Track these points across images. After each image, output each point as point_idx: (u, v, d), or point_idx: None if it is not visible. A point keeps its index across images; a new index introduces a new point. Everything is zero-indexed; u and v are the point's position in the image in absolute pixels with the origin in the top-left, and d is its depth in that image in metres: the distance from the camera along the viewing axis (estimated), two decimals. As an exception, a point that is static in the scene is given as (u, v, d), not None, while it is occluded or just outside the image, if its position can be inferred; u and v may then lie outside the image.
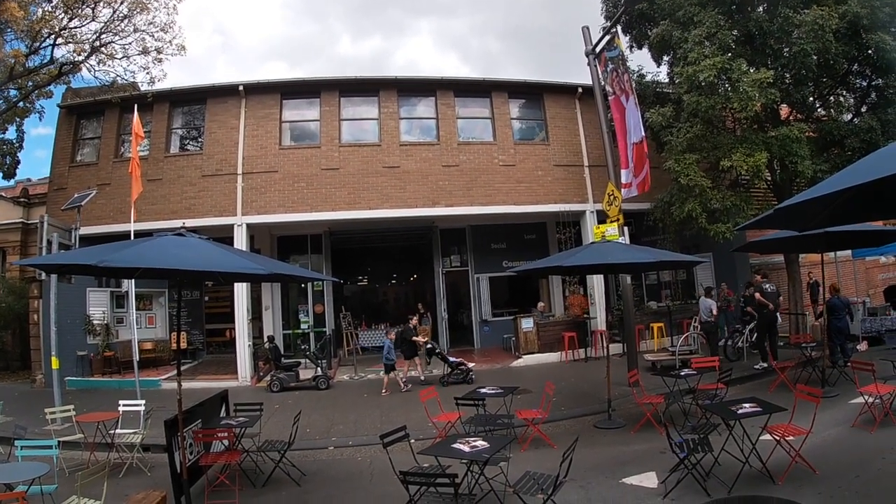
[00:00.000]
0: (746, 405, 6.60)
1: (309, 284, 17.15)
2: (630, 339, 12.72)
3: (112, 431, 8.21)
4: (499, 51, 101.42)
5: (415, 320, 14.63)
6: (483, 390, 8.88)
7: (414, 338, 13.44)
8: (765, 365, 12.65)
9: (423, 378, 13.50)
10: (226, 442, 7.26)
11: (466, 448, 5.61)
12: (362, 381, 14.23)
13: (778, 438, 6.36)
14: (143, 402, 8.76)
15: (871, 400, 7.96)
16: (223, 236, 13.89)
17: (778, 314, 13.27)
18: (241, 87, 15.36)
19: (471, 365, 13.61)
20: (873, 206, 5.25)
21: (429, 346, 14.00)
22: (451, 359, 13.69)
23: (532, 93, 17.34)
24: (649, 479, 6.54)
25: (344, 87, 16.15)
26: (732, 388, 10.78)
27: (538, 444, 8.26)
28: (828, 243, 9.81)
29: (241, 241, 14.63)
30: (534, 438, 8.38)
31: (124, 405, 8.60)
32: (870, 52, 13.57)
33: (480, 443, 5.78)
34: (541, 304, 16.71)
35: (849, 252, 16.52)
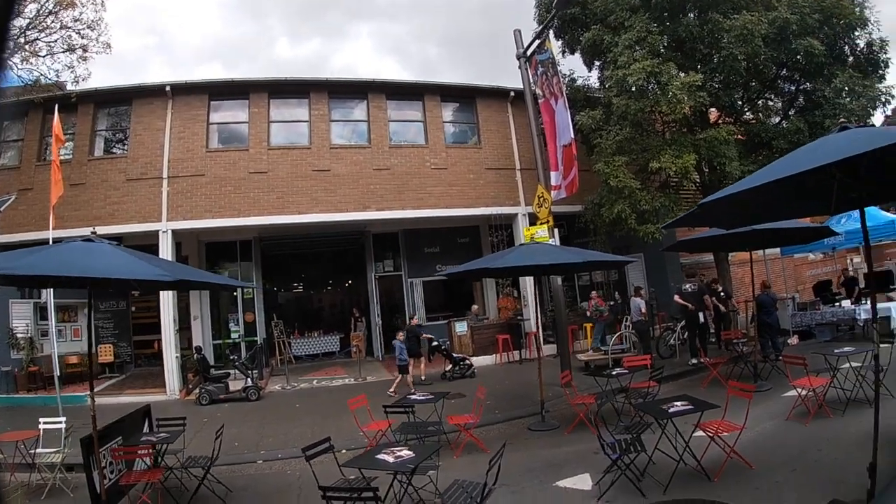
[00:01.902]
0: (678, 403, 6.88)
1: (239, 292, 17.72)
2: (562, 340, 13.59)
3: (32, 451, 8.12)
4: (437, 56, 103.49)
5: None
6: (413, 397, 9.24)
7: (424, 335, 14.36)
8: (695, 361, 13.73)
9: (423, 377, 14.14)
10: (147, 460, 7.23)
11: (391, 459, 5.67)
12: (295, 390, 14.58)
13: (712, 435, 6.67)
14: (63, 419, 8.75)
15: (804, 393, 8.49)
16: (148, 243, 14.46)
17: (701, 313, 14.15)
18: (167, 88, 15.69)
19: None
20: (794, 204, 6.02)
21: (434, 343, 14.98)
22: (455, 354, 14.85)
23: (464, 96, 18.39)
24: (583, 482, 6.78)
25: (274, 88, 16.67)
26: (666, 386, 11.63)
27: (471, 449, 8.45)
28: (756, 241, 10.85)
29: (166, 248, 15.03)
30: (467, 444, 8.58)
31: (44, 423, 8.50)
32: (798, 57, 14.85)
33: (406, 452, 5.86)
34: (474, 308, 17.58)
35: (777, 250, 17.56)
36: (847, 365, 8.81)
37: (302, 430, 10.19)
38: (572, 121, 14.93)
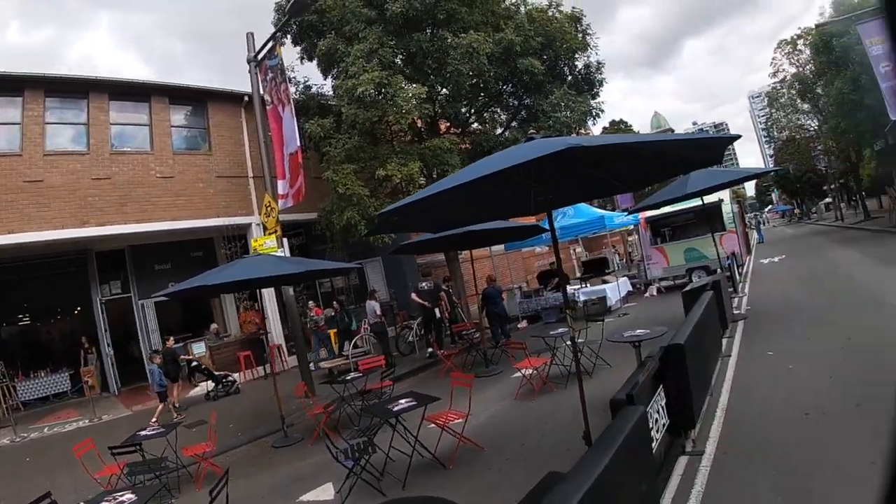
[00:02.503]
0: (403, 401, 7.91)
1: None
2: (299, 350, 15.41)
3: None
4: (184, 53, 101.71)
5: (171, 342, 16.18)
6: (142, 433, 9.44)
7: (182, 357, 15.69)
8: (431, 351, 16.77)
9: (177, 404, 15.01)
10: None
11: None
12: (24, 442, 14.28)
13: (441, 425, 7.93)
14: None
15: (528, 373, 10.59)
16: None
17: (437, 309, 17.18)
18: None
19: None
20: (502, 206, 7.68)
21: (193, 363, 16.40)
22: (217, 373, 16.31)
23: (195, 99, 19.80)
24: (326, 492, 7.75)
25: None
26: (406, 381, 14.43)
27: (213, 479, 8.46)
28: (475, 241, 13.73)
29: None
30: (208, 474, 9.10)
31: None
32: (522, 75, 18.37)
33: (128, 496, 6.10)
34: (213, 326, 19.07)
35: (502, 246, 21.83)
36: (567, 343, 9.60)
37: (37, 487, 9.00)
38: (301, 129, 17.00)
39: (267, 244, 14.90)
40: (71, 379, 18.79)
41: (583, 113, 18.85)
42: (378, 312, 17.13)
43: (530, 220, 14.00)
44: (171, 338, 16.67)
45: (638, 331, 9.07)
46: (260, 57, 16.03)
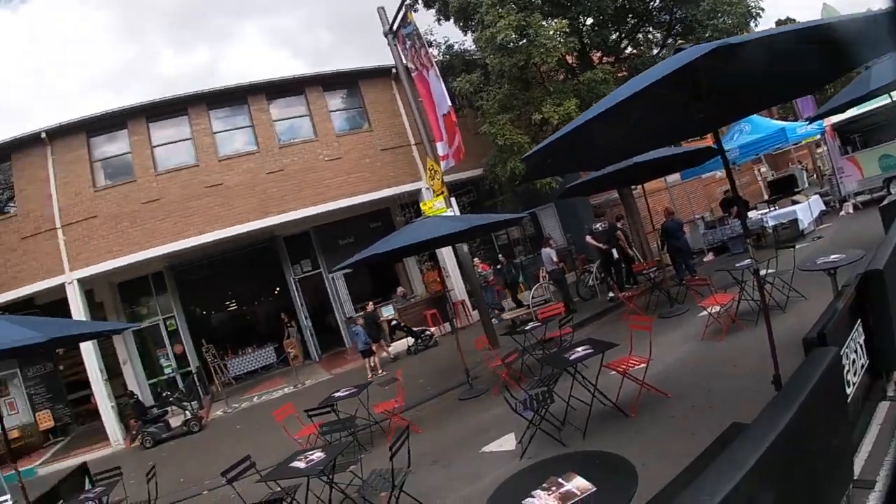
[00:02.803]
0: (580, 349, 7.63)
1: (161, 325, 19.75)
2: (480, 304, 15.87)
3: None
4: (331, 41, 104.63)
5: (371, 306, 17.45)
6: (337, 394, 10.06)
7: (380, 320, 16.80)
8: (612, 296, 16.14)
9: (392, 356, 17.02)
10: None
11: (303, 464, 6.37)
12: (237, 412, 16.33)
13: (622, 372, 7.60)
14: (7, 496, 10.02)
15: (714, 311, 9.73)
16: (56, 298, 16.68)
17: (615, 250, 16.37)
18: (43, 135, 16.94)
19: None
20: (664, 132, 6.94)
21: (393, 322, 17.54)
22: (415, 329, 17.35)
23: (347, 82, 20.48)
24: (508, 442, 7.77)
25: (150, 111, 18.08)
26: (589, 326, 14.21)
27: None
28: (643, 174, 12.56)
29: (76, 299, 16.70)
30: (397, 428, 8.99)
31: None
32: None
33: (318, 455, 6.52)
34: (399, 289, 19.77)
35: (678, 176, 19.75)
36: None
37: (244, 450, 11.14)
38: (450, 88, 16.93)
39: (436, 206, 15.38)
40: (275, 352, 20.89)
41: (741, 15, 17.05)
42: (555, 259, 16.75)
43: (705, 144, 13.09)
44: (371, 302, 17.74)
45: (832, 256, 7.99)
46: (395, 28, 16.32)
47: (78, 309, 16.60)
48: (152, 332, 19.82)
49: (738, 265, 10.44)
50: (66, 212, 17.03)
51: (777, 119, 21.15)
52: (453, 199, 15.95)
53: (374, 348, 15.67)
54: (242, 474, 7.02)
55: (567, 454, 5.90)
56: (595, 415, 7.33)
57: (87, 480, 9.38)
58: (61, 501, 8.37)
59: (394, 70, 18.95)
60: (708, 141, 12.62)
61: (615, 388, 7.69)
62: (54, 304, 17.36)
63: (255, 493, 6.97)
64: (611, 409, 7.53)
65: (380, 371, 15.23)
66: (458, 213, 16.04)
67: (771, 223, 17.18)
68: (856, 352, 5.11)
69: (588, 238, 16.81)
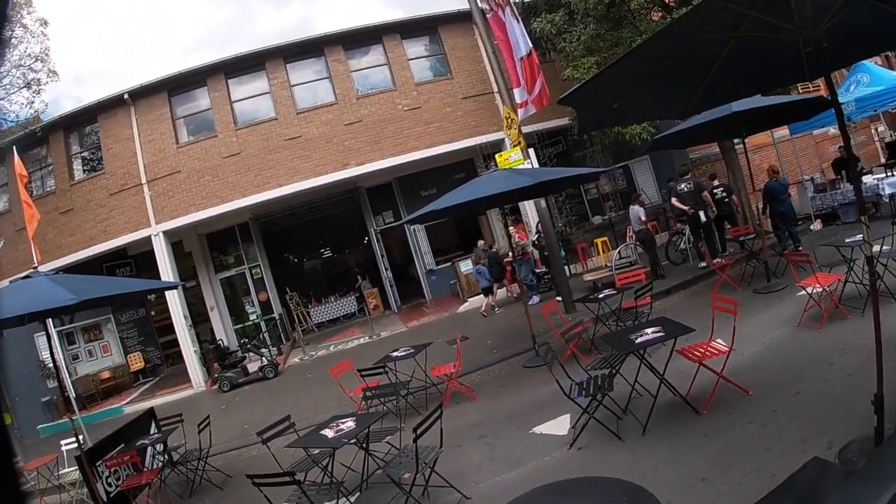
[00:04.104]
0: (649, 331, 6.66)
1: (247, 273, 20.24)
2: (555, 262, 14.90)
3: (56, 473, 9.75)
4: None
5: (482, 244, 17.63)
6: (394, 353, 9.85)
7: (504, 261, 16.81)
8: (704, 264, 14.47)
9: (514, 296, 16.96)
10: (149, 463, 8.64)
11: (331, 434, 6.28)
12: (313, 360, 16.57)
13: (697, 359, 6.63)
14: (72, 439, 9.79)
15: (816, 291, 8.18)
16: (145, 250, 17.55)
17: (702, 212, 14.37)
18: (126, 96, 17.63)
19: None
20: (761, 75, 5.83)
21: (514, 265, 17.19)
22: (537, 269, 17.15)
23: (426, 28, 19.77)
24: (560, 425, 7.10)
25: (229, 67, 18.43)
26: (677, 294, 13.21)
27: (460, 399, 9.36)
28: (740, 126, 10.89)
29: (161, 250, 17.43)
30: (456, 393, 9.42)
31: (65, 444, 10.09)
32: None
33: (349, 424, 6.40)
34: (481, 243, 18.96)
35: (786, 131, 17.72)
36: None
37: (308, 402, 11.81)
38: (531, 30, 15.78)
39: (512, 157, 14.49)
40: (357, 301, 21.14)
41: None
42: (643, 218, 15.53)
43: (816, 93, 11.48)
44: (481, 242, 17.92)
45: None
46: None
47: (163, 259, 17.32)
48: (239, 280, 20.52)
49: (847, 240, 8.81)
50: (150, 168, 17.73)
51: None
52: (532, 150, 15.02)
53: (494, 287, 16.23)
54: (280, 434, 7.08)
55: (598, 479, 5.01)
56: (662, 406, 6.51)
57: (152, 424, 9.72)
58: (122, 444, 8.65)
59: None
60: (820, 90, 11.02)
61: (690, 376, 6.74)
62: (144, 254, 18.38)
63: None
64: (681, 401, 6.59)
65: (496, 309, 15.89)
66: (536, 165, 15.23)
67: (888, 191, 14.81)
68: None
69: (673, 200, 14.95)
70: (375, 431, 6.86)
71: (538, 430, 7.27)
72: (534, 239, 17.40)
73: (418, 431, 5.54)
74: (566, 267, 17.46)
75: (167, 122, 18.00)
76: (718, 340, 6.78)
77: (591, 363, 7.58)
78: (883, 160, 18.42)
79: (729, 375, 6.60)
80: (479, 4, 15.47)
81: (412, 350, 9.79)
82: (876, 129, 25.30)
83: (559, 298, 14.15)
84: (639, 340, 6.47)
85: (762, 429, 5.64)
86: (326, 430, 6.42)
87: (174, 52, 79.81)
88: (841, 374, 6.29)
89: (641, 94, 5.24)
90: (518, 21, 14.71)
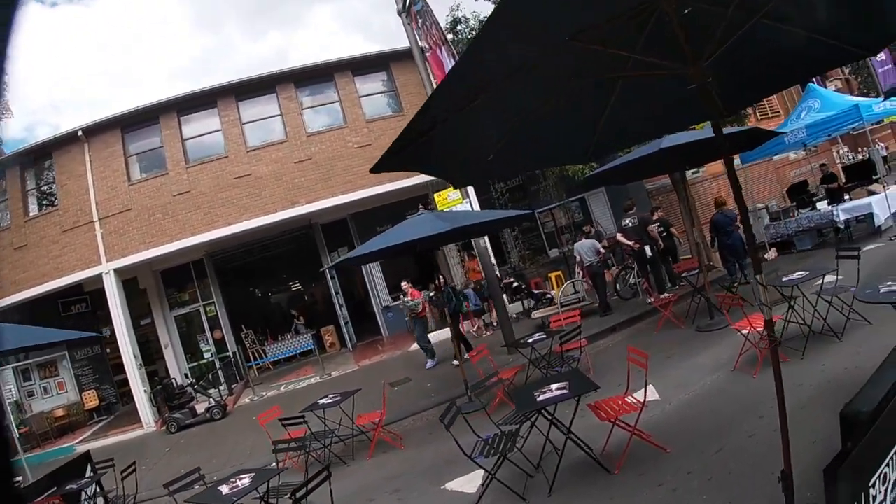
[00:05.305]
0: (554, 387, 6.40)
1: (202, 310, 20.10)
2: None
3: None
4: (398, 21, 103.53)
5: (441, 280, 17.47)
6: (322, 401, 9.78)
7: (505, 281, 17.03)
8: (651, 301, 14.28)
9: (475, 330, 17.25)
10: None
11: (227, 490, 6.31)
12: (263, 400, 16.44)
13: (610, 418, 6.38)
14: (20, 478, 10.06)
15: (754, 334, 7.83)
16: (100, 286, 17.50)
17: (648, 247, 14.41)
18: (80, 132, 17.84)
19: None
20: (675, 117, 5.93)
21: (514, 285, 17.39)
22: (535, 291, 17.23)
23: (378, 64, 19.87)
24: (472, 482, 6.81)
25: (181, 105, 18.56)
26: (622, 332, 13.10)
27: (386, 447, 9.32)
28: (683, 158, 10.99)
29: (111, 288, 17.38)
30: (382, 442, 9.39)
31: None
32: None
33: (245, 481, 6.46)
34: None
35: (738, 160, 17.39)
36: (813, 292, 8.33)
37: (246, 446, 11.70)
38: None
39: (451, 197, 14.68)
40: (314, 339, 20.46)
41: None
42: (601, 250, 15.36)
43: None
44: (496, 266, 17.43)
45: None
46: (408, 5, 15.40)
47: (114, 297, 17.29)
48: (194, 317, 20.44)
49: (785, 279, 8.54)
50: (102, 205, 17.73)
51: (856, 94, 18.54)
52: (472, 189, 15.05)
53: (485, 307, 16.60)
54: (187, 487, 7.05)
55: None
56: (576, 463, 6.28)
57: (88, 467, 9.70)
58: (55, 488, 8.66)
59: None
60: (766, 125, 11.11)
61: (606, 431, 6.50)
62: (100, 291, 18.22)
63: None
64: (596, 457, 6.32)
65: (486, 332, 16.53)
66: (476, 204, 15.23)
67: (842, 217, 14.77)
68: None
69: (618, 235, 15.13)
70: (284, 486, 6.86)
71: (449, 486, 7.11)
72: (430, 294, 16.68)
73: (297, 496, 5.54)
74: (521, 303, 17.46)
75: (120, 159, 18.06)
76: (634, 395, 6.60)
77: (503, 417, 7.37)
78: (838, 183, 17.94)
79: (655, 425, 6.51)
80: (420, 43, 15.52)
81: (339, 397, 9.71)
82: (838, 152, 25.93)
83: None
84: (541, 398, 6.26)
85: (672, 493, 5.35)
86: (224, 485, 6.42)
87: (159, 82, 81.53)
88: (768, 428, 5.59)
89: (532, 143, 5.04)
90: (452, 59, 14.79)
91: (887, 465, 2.96)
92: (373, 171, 4.46)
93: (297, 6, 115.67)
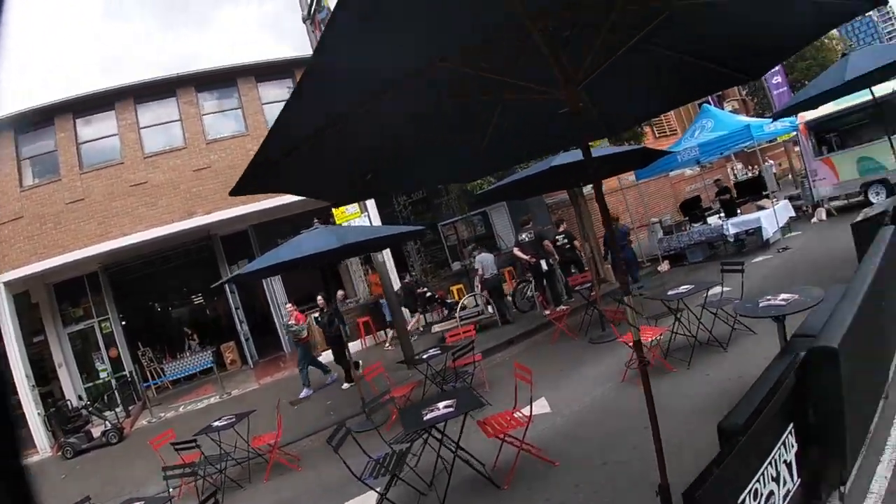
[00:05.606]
0: (441, 405, 6.42)
1: (96, 326, 19.10)
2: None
3: None
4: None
5: (408, 279, 17.72)
6: (216, 423, 9.50)
7: (419, 291, 16.90)
8: (547, 313, 14.45)
9: (420, 328, 17.34)
10: None
11: None
12: (160, 422, 15.58)
13: (498, 434, 6.46)
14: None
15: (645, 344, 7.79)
16: None
17: (543, 261, 14.57)
18: None
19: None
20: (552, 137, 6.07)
21: (428, 294, 16.97)
22: (448, 300, 17.30)
23: (283, 71, 19.35)
24: (367, 502, 6.76)
25: (78, 106, 17.61)
26: (518, 346, 13.15)
27: (283, 469, 9.08)
28: (575, 175, 10.74)
29: (1, 302, 16.16)
30: (279, 465, 9.14)
31: None
32: None
33: None
34: (340, 293, 18.25)
35: (632, 177, 18.42)
36: (698, 304, 8.53)
37: (142, 471, 10.96)
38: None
39: (349, 210, 14.22)
40: (214, 356, 19.91)
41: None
42: (496, 264, 15.50)
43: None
44: (408, 274, 18.15)
45: (782, 296, 6.01)
46: (312, 13, 15.32)
47: (3, 312, 16.16)
48: (90, 334, 19.34)
49: (670, 293, 8.74)
50: (-9, 214, 16.64)
51: (752, 115, 19.17)
52: (371, 203, 14.73)
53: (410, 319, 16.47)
54: None
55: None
56: (468, 480, 6.32)
57: None
58: None
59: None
60: (663, 143, 11.18)
61: (496, 447, 6.52)
62: None
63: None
64: (488, 474, 6.35)
65: (388, 346, 16.34)
66: (374, 219, 14.94)
67: (732, 231, 15.70)
68: (776, 478, 3.46)
69: (515, 249, 15.33)
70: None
71: (347, 504, 6.92)
72: (315, 316, 15.71)
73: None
74: (423, 317, 17.17)
75: (12, 163, 17.01)
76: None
77: (395, 436, 7.26)
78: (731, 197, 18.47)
79: (546, 439, 6.72)
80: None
81: (234, 419, 9.43)
82: (733, 168, 27.56)
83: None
84: (427, 417, 6.22)
85: (559, 505, 5.44)
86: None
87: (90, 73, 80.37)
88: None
89: (415, 162, 5.09)
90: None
91: (758, 480, 3.26)
92: (232, 194, 4.25)
93: (206, 6, 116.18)
